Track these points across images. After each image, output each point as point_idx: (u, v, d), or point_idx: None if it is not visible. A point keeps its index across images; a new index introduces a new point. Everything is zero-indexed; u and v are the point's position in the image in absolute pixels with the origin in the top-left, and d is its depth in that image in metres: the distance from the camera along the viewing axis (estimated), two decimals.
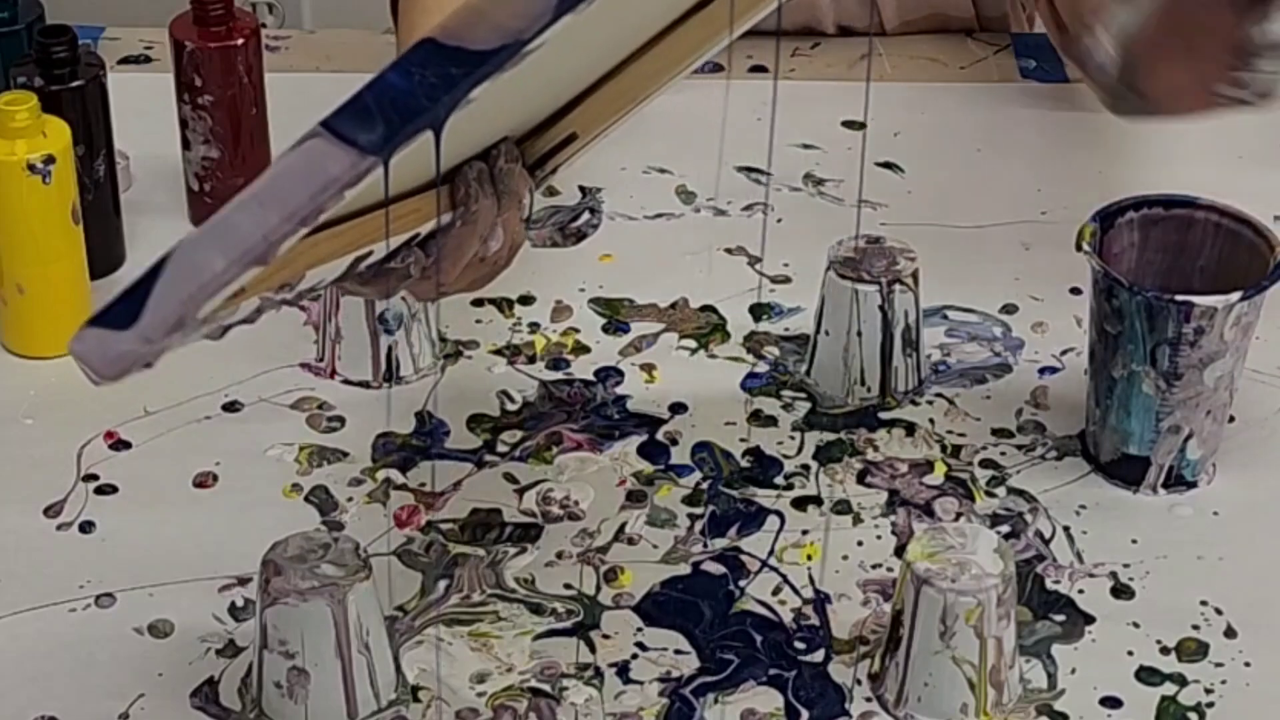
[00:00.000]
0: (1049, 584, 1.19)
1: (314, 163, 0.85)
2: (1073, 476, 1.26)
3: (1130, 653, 1.15)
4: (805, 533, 1.22)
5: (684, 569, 1.20)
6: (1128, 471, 1.25)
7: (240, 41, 1.42)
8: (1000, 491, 1.25)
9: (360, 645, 1.09)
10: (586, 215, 1.48)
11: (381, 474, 1.26)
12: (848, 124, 1.56)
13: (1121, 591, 1.18)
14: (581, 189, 1.50)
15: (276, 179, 0.85)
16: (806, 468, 1.27)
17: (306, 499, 1.24)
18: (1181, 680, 1.13)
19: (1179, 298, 1.18)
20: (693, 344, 1.36)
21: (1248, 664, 1.14)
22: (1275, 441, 1.29)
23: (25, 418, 1.30)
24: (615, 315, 1.39)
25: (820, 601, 1.17)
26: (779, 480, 1.26)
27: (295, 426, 1.29)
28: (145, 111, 1.50)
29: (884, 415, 1.30)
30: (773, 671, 1.13)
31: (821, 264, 1.31)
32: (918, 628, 1.09)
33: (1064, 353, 1.35)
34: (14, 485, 1.25)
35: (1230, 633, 1.16)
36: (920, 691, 1.10)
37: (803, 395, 1.32)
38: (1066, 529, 1.22)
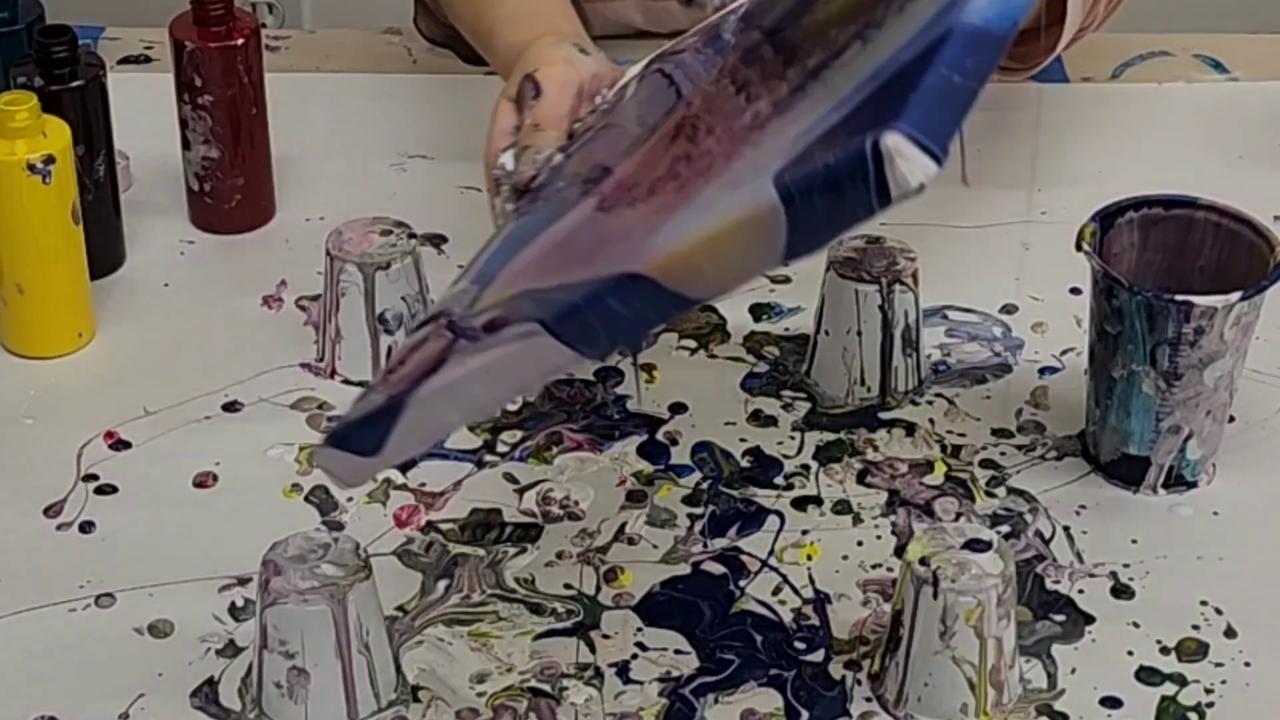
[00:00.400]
0: (1049, 584, 1.19)
1: (542, 357, 0.99)
2: (1073, 476, 1.26)
3: (1130, 653, 1.15)
4: (805, 533, 1.22)
5: (684, 569, 1.20)
6: (1128, 471, 1.25)
7: (240, 41, 1.42)
8: (1000, 491, 1.25)
9: (360, 645, 1.09)
10: None
11: (381, 474, 1.26)
12: None
13: (1121, 591, 1.18)
14: None
15: (507, 360, 1.00)
16: (806, 468, 1.27)
17: (306, 499, 1.24)
18: (1181, 680, 1.13)
19: (1179, 298, 1.18)
20: (693, 344, 1.36)
21: (1248, 664, 1.14)
22: (1275, 441, 1.29)
23: (25, 418, 1.30)
24: None
25: (820, 601, 1.17)
26: (779, 480, 1.26)
27: (295, 426, 1.29)
28: (145, 111, 1.50)
29: (884, 415, 1.30)
30: (773, 672, 1.13)
31: (821, 264, 1.31)
32: (918, 628, 1.09)
33: (1064, 353, 1.35)
34: (14, 485, 1.25)
35: (1230, 633, 1.16)
36: (920, 691, 1.10)
37: (803, 395, 1.32)
38: (1066, 529, 1.22)
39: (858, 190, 0.90)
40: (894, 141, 0.89)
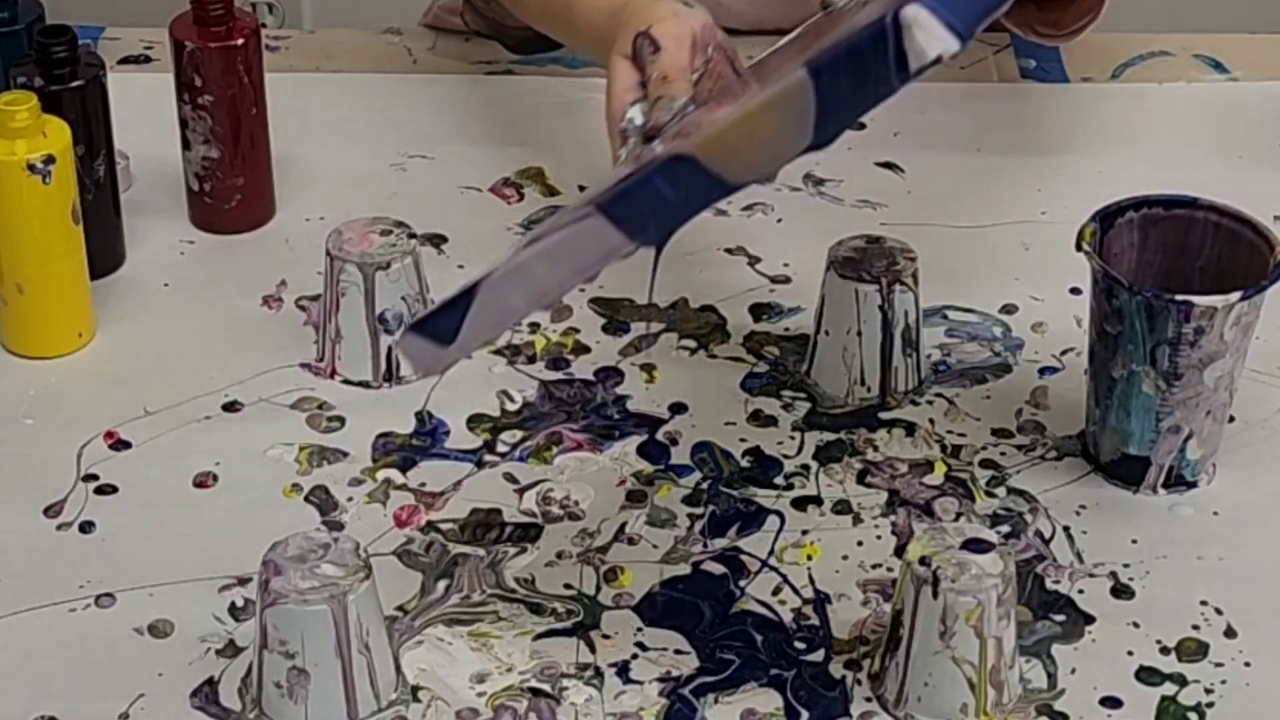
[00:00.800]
0: (1049, 584, 1.19)
1: (599, 238, 1.03)
2: (1073, 476, 1.26)
3: (1130, 653, 1.15)
4: (805, 533, 1.22)
5: (684, 569, 1.20)
6: (1128, 471, 1.25)
7: (240, 41, 1.42)
8: (1000, 491, 1.25)
9: (360, 645, 1.09)
10: None
11: (381, 474, 1.26)
12: None
13: (1121, 591, 1.18)
14: (581, 189, 1.50)
15: (565, 242, 1.04)
16: (806, 468, 1.27)
17: (306, 499, 1.24)
18: (1181, 680, 1.13)
19: (1179, 298, 1.18)
20: (693, 344, 1.36)
21: (1248, 664, 1.14)
22: (1275, 441, 1.29)
23: (25, 418, 1.30)
24: (615, 315, 1.38)
25: (820, 601, 1.17)
26: (779, 480, 1.26)
27: (295, 426, 1.29)
28: (145, 111, 1.50)
29: (884, 415, 1.30)
30: (773, 672, 1.13)
31: (821, 264, 1.31)
32: (918, 628, 1.09)
33: (1064, 353, 1.35)
34: (14, 485, 1.25)
35: (1230, 633, 1.16)
36: (920, 691, 1.10)
37: (803, 395, 1.32)
38: (1066, 529, 1.22)
39: (879, 62, 0.93)
40: (914, 12, 0.91)
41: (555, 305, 1.27)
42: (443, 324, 1.09)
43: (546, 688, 1.12)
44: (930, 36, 0.91)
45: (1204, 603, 1.18)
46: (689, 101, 1.23)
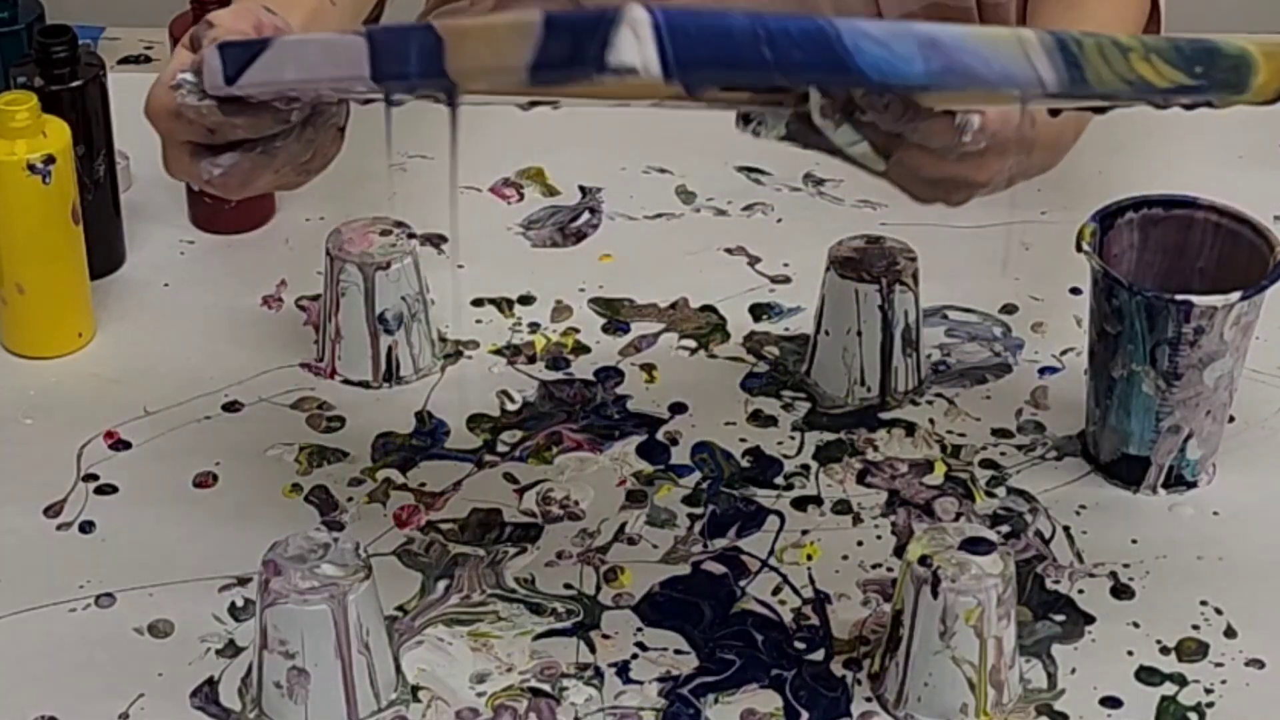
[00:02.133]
0: (1049, 584, 1.19)
1: (352, 61, 1.01)
2: (1073, 476, 1.26)
3: (1130, 653, 1.15)
4: (805, 533, 1.22)
5: (684, 569, 1.20)
6: (1128, 471, 1.25)
7: None
8: (1000, 491, 1.25)
9: (360, 645, 1.09)
10: (586, 215, 1.48)
11: (381, 474, 1.26)
12: None
13: (1121, 591, 1.18)
14: (581, 189, 1.50)
15: (337, 46, 1.02)
16: (806, 468, 1.27)
17: (306, 499, 1.24)
18: (1181, 680, 1.13)
19: (1179, 297, 1.18)
20: (693, 344, 1.36)
21: (1248, 664, 1.14)
22: (1275, 441, 1.29)
23: (25, 418, 1.30)
24: (615, 315, 1.39)
25: (820, 601, 1.17)
26: (779, 480, 1.26)
27: (295, 426, 1.29)
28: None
29: (884, 415, 1.30)
30: (773, 672, 1.13)
31: (821, 264, 1.31)
32: (918, 628, 1.09)
33: (1064, 353, 1.35)
34: (14, 485, 1.25)
35: (1230, 633, 1.16)
36: (920, 691, 1.10)
37: (803, 395, 1.32)
38: (1066, 529, 1.22)
39: (589, 43, 0.87)
40: (638, 16, 0.86)
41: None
42: (234, 58, 1.08)
43: (546, 688, 1.12)
44: (638, 47, 0.85)
45: (1204, 603, 1.18)
46: None
